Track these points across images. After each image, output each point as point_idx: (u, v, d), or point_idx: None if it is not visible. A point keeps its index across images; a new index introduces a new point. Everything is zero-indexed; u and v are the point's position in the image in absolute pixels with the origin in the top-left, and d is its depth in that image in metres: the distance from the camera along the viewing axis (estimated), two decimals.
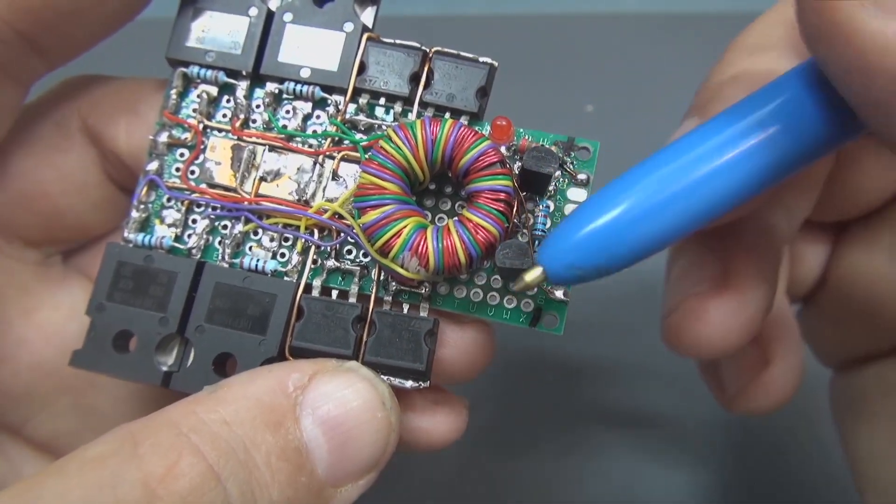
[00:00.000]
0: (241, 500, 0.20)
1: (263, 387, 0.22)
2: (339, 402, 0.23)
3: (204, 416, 0.21)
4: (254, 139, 0.26)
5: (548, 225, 0.25)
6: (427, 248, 0.23)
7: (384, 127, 0.26)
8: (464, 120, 0.25)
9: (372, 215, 0.23)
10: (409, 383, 0.24)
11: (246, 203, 0.26)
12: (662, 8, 0.45)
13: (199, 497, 0.19)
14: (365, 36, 0.26)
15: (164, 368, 0.25)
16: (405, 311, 0.25)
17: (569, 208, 0.25)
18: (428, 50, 0.26)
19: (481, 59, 0.26)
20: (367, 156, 0.24)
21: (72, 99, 0.28)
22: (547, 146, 0.23)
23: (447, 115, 0.26)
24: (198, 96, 0.27)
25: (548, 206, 0.25)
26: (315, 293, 0.25)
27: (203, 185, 0.26)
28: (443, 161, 0.23)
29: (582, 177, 0.25)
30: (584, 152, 0.25)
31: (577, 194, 0.25)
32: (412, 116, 0.26)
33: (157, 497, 0.19)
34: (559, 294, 0.25)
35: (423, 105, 0.26)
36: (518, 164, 0.25)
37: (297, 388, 0.22)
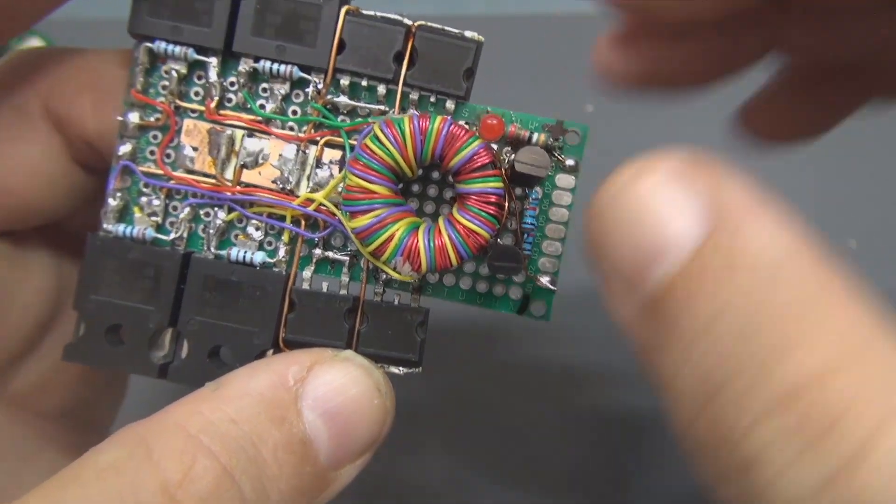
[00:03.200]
0: (255, 496, 0.21)
1: (265, 381, 0.23)
2: (337, 391, 0.23)
3: (210, 415, 0.22)
4: (230, 122, 0.25)
5: (536, 213, 0.25)
6: (419, 251, 0.23)
7: (368, 110, 0.25)
8: (450, 104, 0.25)
9: (362, 221, 0.23)
10: (401, 370, 0.25)
11: (229, 194, 0.25)
12: None
13: (218, 499, 0.20)
14: (343, 9, 0.24)
15: (159, 361, 0.25)
16: (395, 301, 0.25)
17: (557, 195, 0.25)
18: (411, 24, 0.24)
19: (467, 35, 0.24)
20: (352, 154, 0.23)
21: (28, 79, 0.26)
22: (540, 147, 0.23)
23: (432, 97, 0.25)
24: (165, 72, 0.25)
25: (537, 195, 0.25)
26: (305, 284, 0.25)
27: (181, 172, 0.25)
28: (432, 159, 0.23)
29: (570, 162, 0.25)
30: (572, 136, 0.25)
31: (565, 181, 0.25)
32: (397, 97, 0.25)
33: (178, 502, 0.20)
34: (545, 281, 0.25)
35: (408, 85, 0.25)
36: (509, 156, 0.24)
37: (297, 381, 0.23)
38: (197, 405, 0.22)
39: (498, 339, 0.39)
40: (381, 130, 0.23)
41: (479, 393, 0.38)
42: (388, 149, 0.22)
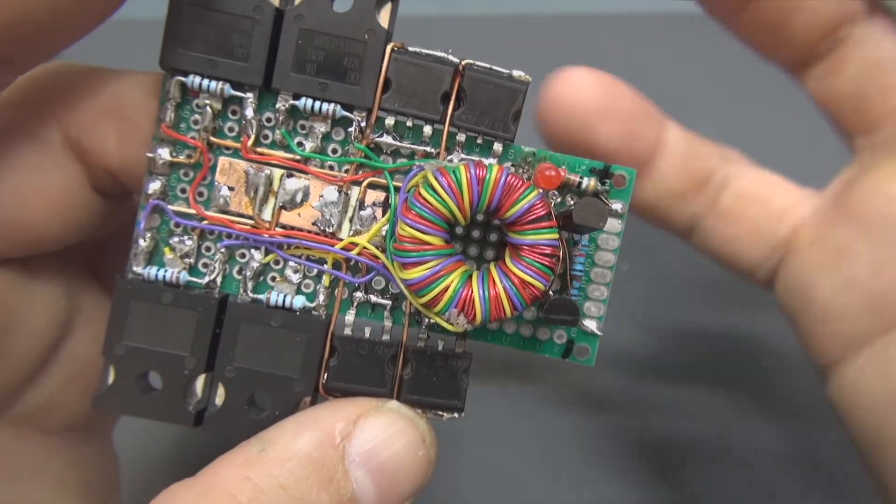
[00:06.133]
0: None
1: (312, 440, 0.22)
2: (383, 445, 0.23)
3: (260, 481, 0.21)
4: (268, 161, 0.24)
5: (585, 259, 0.25)
6: (474, 303, 0.22)
7: (412, 150, 0.24)
8: (497, 145, 0.24)
9: (415, 273, 0.22)
10: (445, 416, 0.25)
11: (267, 236, 0.24)
12: (662, 8, 0.44)
13: None
14: (389, 47, 0.23)
15: (193, 409, 0.24)
16: (439, 346, 0.25)
17: (603, 240, 0.25)
18: (458, 62, 0.24)
19: (514, 74, 0.24)
20: (404, 202, 0.22)
21: (47, 102, 0.24)
22: (600, 203, 0.22)
23: (479, 139, 0.24)
24: (198, 107, 0.24)
25: (585, 241, 0.25)
26: (347, 330, 0.24)
27: (213, 211, 0.24)
28: (488, 209, 0.22)
29: (617, 206, 0.25)
30: (619, 179, 0.25)
31: (611, 225, 0.25)
32: (443, 138, 0.24)
33: None
34: (592, 326, 0.25)
35: (455, 126, 0.24)
36: (555, 199, 0.24)
37: (343, 438, 0.22)
38: (243, 470, 0.21)
39: (532, 367, 0.39)
40: (436, 179, 0.22)
41: (517, 419, 0.38)
42: (443, 198, 0.22)
